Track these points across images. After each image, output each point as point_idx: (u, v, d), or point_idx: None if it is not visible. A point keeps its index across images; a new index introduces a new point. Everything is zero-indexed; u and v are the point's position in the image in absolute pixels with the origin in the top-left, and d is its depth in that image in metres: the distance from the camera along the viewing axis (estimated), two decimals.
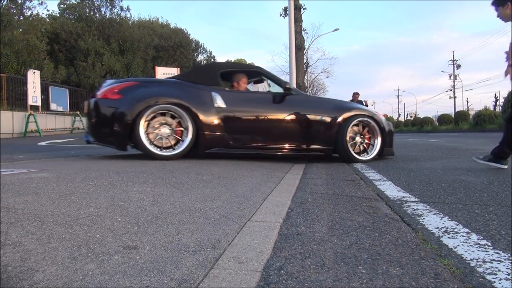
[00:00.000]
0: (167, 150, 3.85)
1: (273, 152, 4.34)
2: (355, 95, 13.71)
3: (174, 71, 19.13)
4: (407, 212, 1.90)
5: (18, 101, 14.22)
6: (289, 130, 4.35)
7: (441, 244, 1.38)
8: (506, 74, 3.29)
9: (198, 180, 2.55)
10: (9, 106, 13.58)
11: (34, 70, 13.94)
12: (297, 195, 2.35)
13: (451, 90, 44.13)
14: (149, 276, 1.01)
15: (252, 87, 5.31)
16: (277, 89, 4.83)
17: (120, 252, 1.17)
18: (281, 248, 1.31)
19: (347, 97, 13.73)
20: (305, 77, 28.29)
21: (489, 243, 1.38)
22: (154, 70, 20.59)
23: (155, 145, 3.81)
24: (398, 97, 65.37)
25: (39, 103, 14.12)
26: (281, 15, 20.48)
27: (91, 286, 0.94)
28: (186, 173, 2.82)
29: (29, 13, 19.24)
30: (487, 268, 1.14)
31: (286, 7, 17.95)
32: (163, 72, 18.64)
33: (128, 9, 27.72)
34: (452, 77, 44.16)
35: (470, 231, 1.53)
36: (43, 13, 23.39)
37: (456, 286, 1.02)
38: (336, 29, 30.16)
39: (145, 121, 3.75)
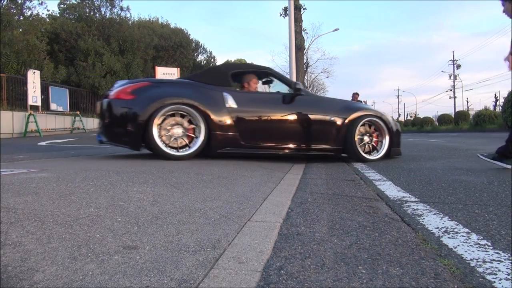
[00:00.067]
0: (180, 150, 3.89)
1: (283, 152, 4.38)
2: (355, 95, 13.70)
3: (174, 71, 19.15)
4: (407, 212, 1.90)
5: (18, 101, 14.22)
6: (299, 130, 4.39)
7: (441, 244, 1.38)
8: (506, 60, 3.30)
9: (198, 180, 2.55)
10: (9, 106, 13.57)
11: (34, 70, 13.94)
12: (297, 195, 2.35)
13: (451, 90, 44.14)
14: (149, 276, 1.01)
15: (259, 88, 5.34)
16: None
17: (120, 252, 1.17)
18: (281, 248, 1.31)
19: (347, 98, 13.70)
20: (305, 77, 28.30)
21: (489, 243, 1.38)
22: (154, 70, 20.60)
23: (168, 145, 3.84)
24: (398, 97, 65.44)
25: (39, 103, 14.12)
26: (281, 15, 20.51)
27: (91, 286, 0.94)
28: (186, 173, 2.82)
29: (29, 13, 19.27)
30: (487, 268, 1.14)
31: (286, 7, 17.97)
32: (163, 72, 18.66)
33: (128, 9, 27.72)
34: (452, 77, 44.17)
35: (470, 231, 1.53)
36: (43, 13, 23.43)
37: (456, 286, 1.02)
38: (336, 29, 30.17)
39: (158, 121, 3.78)
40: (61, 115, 15.72)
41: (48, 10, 35.09)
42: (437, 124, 31.66)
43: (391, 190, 2.56)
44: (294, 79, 10.01)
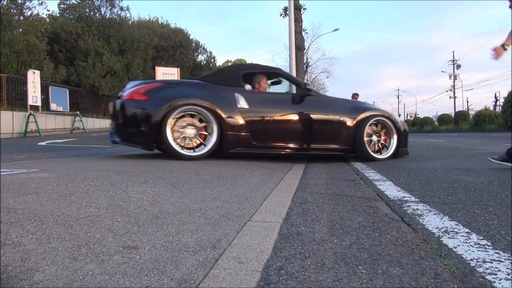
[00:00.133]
0: (192, 151, 3.92)
1: (293, 151, 4.44)
2: (355, 95, 13.70)
3: (174, 71, 19.14)
4: (407, 212, 1.90)
5: (18, 101, 14.22)
6: (310, 131, 4.44)
7: (441, 244, 1.38)
8: (493, 50, 3.38)
9: (198, 180, 2.55)
10: (9, 106, 13.57)
11: (34, 70, 13.93)
12: (297, 195, 2.35)
13: (451, 90, 44.13)
14: (149, 276, 1.01)
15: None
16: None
17: (120, 252, 1.17)
18: (281, 248, 1.31)
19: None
20: (305, 77, 28.30)
21: (489, 243, 1.38)
22: (154, 70, 20.59)
23: (181, 146, 3.87)
24: (398, 97, 65.38)
25: (39, 103, 14.12)
26: (281, 15, 20.50)
27: (91, 286, 0.94)
28: (186, 173, 2.82)
29: (29, 13, 19.26)
30: (487, 268, 1.14)
31: (286, 7, 17.96)
32: (163, 72, 18.64)
33: (128, 9, 27.70)
34: (452, 77, 44.16)
35: (470, 231, 1.53)
36: (43, 13, 23.42)
37: (456, 286, 1.02)
38: (336, 29, 30.16)
39: (171, 122, 3.81)
40: (61, 115, 15.71)
41: (48, 10, 35.12)
42: (437, 124, 31.66)
43: (391, 190, 2.56)
44: None
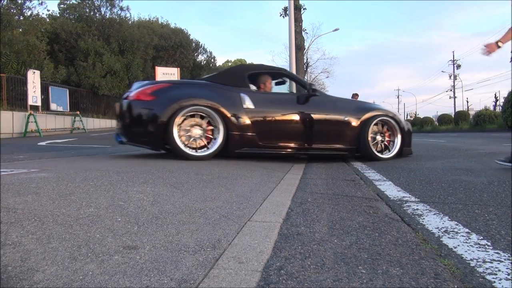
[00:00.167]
0: (199, 151, 3.94)
1: (298, 151, 4.49)
2: (355, 96, 13.70)
3: (174, 71, 19.12)
4: (407, 212, 1.90)
5: (18, 101, 14.22)
6: (315, 131, 4.47)
7: (441, 244, 1.38)
8: (485, 49, 3.41)
9: (198, 180, 2.55)
10: (9, 106, 13.57)
11: (34, 70, 13.93)
12: (297, 195, 2.35)
13: (451, 90, 44.11)
14: (149, 276, 1.01)
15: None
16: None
17: (120, 252, 1.17)
18: (281, 248, 1.31)
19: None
20: (305, 77, 28.30)
21: (489, 243, 1.38)
22: (154, 70, 20.58)
23: (187, 146, 3.89)
24: (398, 97, 65.35)
25: (39, 103, 14.11)
26: (281, 15, 20.50)
27: (91, 286, 0.94)
28: (186, 173, 2.82)
29: (29, 13, 19.27)
30: (487, 268, 1.14)
31: (286, 7, 17.96)
32: (163, 72, 18.63)
33: (128, 9, 27.72)
34: (452, 77, 44.15)
35: (470, 231, 1.53)
36: (43, 13, 23.43)
37: (456, 286, 1.02)
38: (336, 29, 30.12)
39: (178, 122, 3.83)
40: (61, 115, 15.71)
41: (48, 10, 35.15)
42: (437, 124, 31.66)
43: (391, 190, 2.56)
44: None
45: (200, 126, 3.95)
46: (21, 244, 1.18)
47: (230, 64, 52.07)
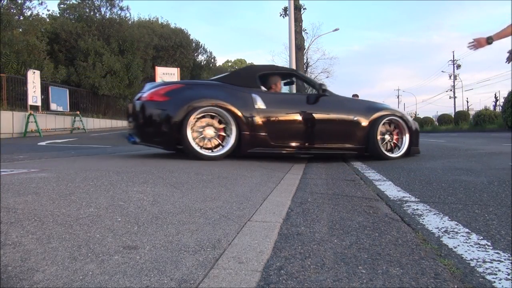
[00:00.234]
0: (212, 151, 3.98)
1: (310, 151, 4.56)
2: (355, 96, 13.69)
3: (174, 71, 19.15)
4: (407, 212, 1.90)
5: (18, 101, 14.21)
6: (325, 130, 4.52)
7: (441, 244, 1.38)
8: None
9: (198, 180, 2.55)
10: (9, 106, 13.57)
11: (34, 70, 13.93)
12: (297, 195, 2.35)
13: (451, 90, 44.12)
14: (149, 276, 1.01)
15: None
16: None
17: (120, 252, 1.17)
18: (281, 248, 1.31)
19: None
20: None
21: (489, 243, 1.38)
22: (154, 70, 20.58)
23: (200, 146, 3.92)
24: (398, 97, 65.43)
25: (39, 103, 14.11)
26: (281, 15, 20.50)
27: (91, 286, 0.94)
28: (186, 173, 2.82)
29: (29, 13, 19.25)
30: (487, 268, 1.14)
31: (286, 7, 17.96)
32: (163, 72, 18.67)
33: (127, 8, 27.70)
34: (452, 77, 44.15)
35: (470, 231, 1.53)
36: (43, 13, 23.41)
37: (456, 286, 1.02)
38: (336, 29, 30.12)
39: (191, 123, 3.86)
40: (61, 115, 15.71)
41: (48, 10, 35.15)
42: (437, 124, 31.68)
43: (391, 190, 2.56)
44: None
45: (213, 126, 3.99)
46: (21, 244, 1.18)
47: (230, 64, 52.08)
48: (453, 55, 44.50)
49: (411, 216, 1.82)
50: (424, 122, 32.99)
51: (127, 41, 21.82)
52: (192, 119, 3.85)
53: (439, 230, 1.56)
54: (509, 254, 1.26)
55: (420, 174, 3.31)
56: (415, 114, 51.61)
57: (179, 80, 17.85)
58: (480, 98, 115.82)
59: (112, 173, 2.66)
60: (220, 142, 4.01)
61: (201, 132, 3.94)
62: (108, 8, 23.14)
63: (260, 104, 4.16)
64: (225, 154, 3.97)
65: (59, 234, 1.29)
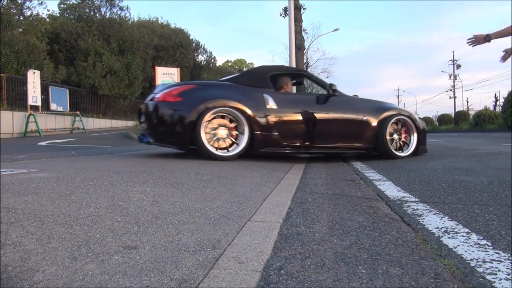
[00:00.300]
0: (225, 151, 4.01)
1: (321, 150, 4.62)
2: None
3: (174, 71, 19.11)
4: (407, 212, 1.90)
5: (18, 101, 14.20)
6: (335, 130, 4.57)
7: (441, 244, 1.38)
8: (502, 60, 3.45)
9: (198, 180, 2.55)
10: (9, 106, 13.56)
11: (34, 70, 13.91)
12: (297, 195, 2.35)
13: (451, 90, 44.12)
14: (149, 276, 1.01)
15: None
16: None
17: (120, 252, 1.17)
18: (281, 248, 1.31)
19: None
20: None
21: (489, 243, 1.38)
22: (154, 70, 20.55)
23: (214, 147, 3.95)
24: (398, 97, 65.29)
25: (39, 103, 14.10)
26: (281, 15, 20.48)
27: (91, 286, 0.94)
28: (186, 173, 2.82)
29: (29, 13, 19.25)
30: (487, 268, 1.14)
31: (286, 7, 17.96)
32: (163, 72, 18.63)
33: (127, 8, 27.69)
34: (452, 77, 44.16)
35: (470, 231, 1.53)
36: (43, 13, 23.41)
37: (456, 286, 1.02)
38: (336, 29, 30.16)
39: (205, 123, 3.89)
40: (61, 115, 15.70)
41: (48, 10, 35.16)
42: (437, 124, 31.66)
43: (391, 190, 2.56)
44: None
45: (225, 126, 4.02)
46: (21, 244, 1.18)
47: (230, 64, 52.06)
48: (453, 55, 44.54)
49: (411, 216, 1.82)
50: (424, 122, 32.94)
51: (127, 41, 21.81)
52: (205, 119, 3.88)
53: (439, 230, 1.56)
54: (509, 254, 1.26)
55: (420, 174, 3.31)
56: (415, 114, 51.54)
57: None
58: (480, 98, 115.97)
59: (112, 173, 2.66)
60: (233, 141, 4.04)
61: (214, 132, 3.96)
62: (108, 8, 23.15)
63: (272, 104, 4.19)
64: (238, 154, 4.00)
65: (59, 234, 1.29)
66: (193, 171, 2.95)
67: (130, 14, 36.22)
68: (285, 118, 4.26)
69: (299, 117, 4.37)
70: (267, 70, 4.75)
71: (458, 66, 44.17)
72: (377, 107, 4.80)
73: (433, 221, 1.71)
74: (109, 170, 2.79)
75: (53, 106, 15.53)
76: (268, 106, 4.17)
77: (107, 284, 0.95)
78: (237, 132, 4.05)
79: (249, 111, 4.02)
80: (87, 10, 22.95)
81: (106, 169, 2.90)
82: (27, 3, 19.01)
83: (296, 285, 1.01)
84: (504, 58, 3.52)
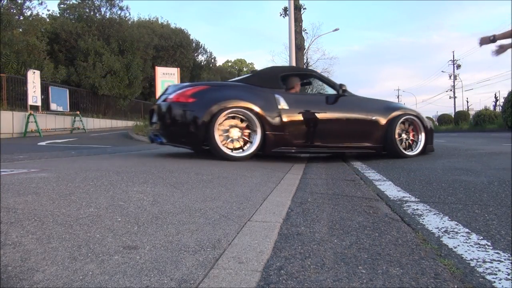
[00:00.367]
0: (239, 151, 4.04)
1: (331, 150, 4.66)
2: None
3: (174, 71, 19.10)
4: (407, 212, 1.90)
5: (18, 101, 14.20)
6: (344, 129, 4.61)
7: (441, 244, 1.38)
8: (495, 54, 3.54)
9: (198, 180, 2.55)
10: (9, 106, 13.56)
11: (34, 70, 13.91)
12: (297, 195, 2.35)
13: (451, 90, 44.12)
14: (149, 276, 1.01)
15: None
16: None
17: (120, 252, 1.17)
18: (281, 248, 1.31)
19: None
20: None
21: (489, 243, 1.38)
22: (154, 70, 20.54)
23: (227, 147, 3.97)
24: (398, 97, 65.27)
25: (39, 103, 14.10)
26: (281, 15, 20.48)
27: (91, 286, 0.94)
28: (186, 173, 2.82)
29: (29, 13, 19.25)
30: (487, 268, 1.14)
31: (286, 7, 17.96)
32: (163, 72, 18.62)
33: (127, 8, 27.70)
34: (452, 77, 44.15)
35: (470, 231, 1.53)
36: (43, 13, 23.41)
37: (456, 286, 1.02)
38: (336, 29, 30.12)
39: (218, 123, 3.91)
40: (61, 115, 15.70)
41: (48, 10, 35.18)
42: (437, 124, 31.66)
43: (391, 190, 2.56)
44: None
45: (237, 127, 4.04)
46: (21, 244, 1.18)
47: (230, 64, 52.05)
48: (453, 55, 44.54)
49: (411, 216, 1.82)
50: (431, 122, 32.97)
51: (127, 41, 21.80)
52: (219, 120, 3.90)
53: (439, 230, 1.56)
54: (509, 254, 1.26)
55: (420, 174, 3.31)
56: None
57: (182, 81, 17.88)
58: (480, 98, 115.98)
59: (112, 173, 2.66)
60: (247, 139, 4.07)
61: (227, 133, 3.99)
62: (108, 8, 23.14)
63: (283, 104, 4.22)
64: (251, 154, 4.03)
65: (59, 234, 1.29)
66: (193, 171, 2.95)
67: (130, 14, 36.25)
68: (296, 118, 4.29)
69: (310, 116, 4.39)
70: (278, 70, 4.79)
71: (458, 66, 44.18)
72: (386, 107, 4.84)
73: (433, 221, 1.71)
74: (109, 170, 2.79)
75: (53, 106, 15.52)
76: (280, 107, 4.19)
77: (107, 284, 0.95)
78: (249, 131, 4.07)
79: (261, 112, 4.05)
80: (87, 10, 22.94)
81: (106, 169, 2.90)
82: (27, 3, 19.02)
83: (296, 285, 1.01)
84: (497, 52, 3.58)
